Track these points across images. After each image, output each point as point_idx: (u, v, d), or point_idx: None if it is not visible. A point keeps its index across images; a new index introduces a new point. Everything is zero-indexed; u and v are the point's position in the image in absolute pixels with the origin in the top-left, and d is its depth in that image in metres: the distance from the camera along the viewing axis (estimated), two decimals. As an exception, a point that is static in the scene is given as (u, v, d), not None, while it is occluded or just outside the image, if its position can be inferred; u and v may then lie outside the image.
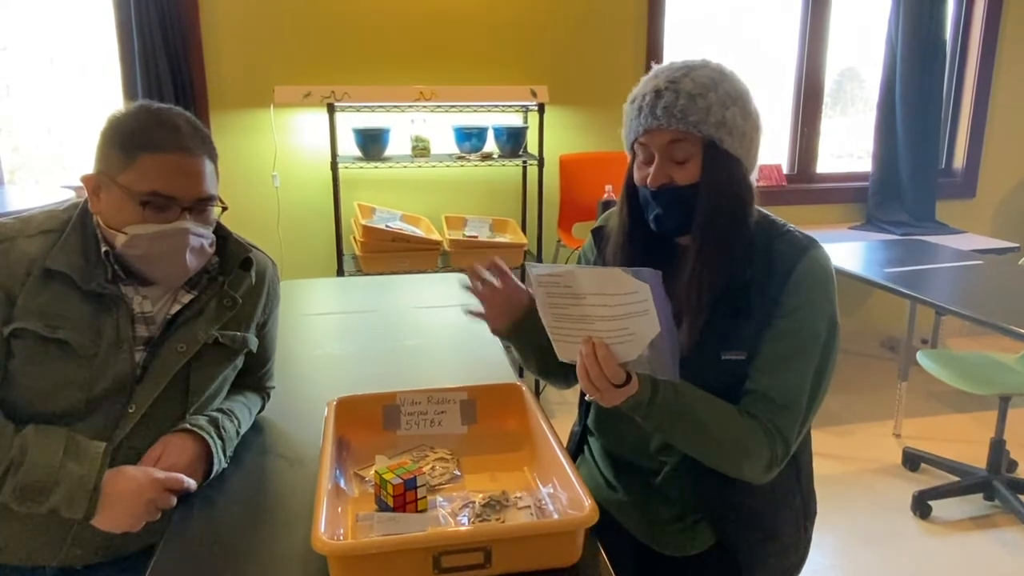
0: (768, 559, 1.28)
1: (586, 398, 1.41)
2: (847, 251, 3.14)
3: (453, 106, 3.31)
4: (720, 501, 1.25)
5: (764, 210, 1.26)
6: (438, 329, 1.97)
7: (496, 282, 1.31)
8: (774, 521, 1.27)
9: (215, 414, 1.30)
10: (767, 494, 1.25)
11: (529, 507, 1.12)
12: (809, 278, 1.17)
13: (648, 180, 1.18)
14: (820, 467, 1.41)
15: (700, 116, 1.13)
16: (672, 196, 1.17)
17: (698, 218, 1.17)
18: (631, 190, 1.26)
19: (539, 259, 3.41)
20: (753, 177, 1.22)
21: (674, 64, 1.19)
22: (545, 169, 3.30)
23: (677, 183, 1.17)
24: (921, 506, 2.61)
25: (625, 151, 1.26)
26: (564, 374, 1.40)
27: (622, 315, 1.02)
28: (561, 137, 3.56)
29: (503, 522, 1.08)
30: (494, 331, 1.36)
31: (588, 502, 1.00)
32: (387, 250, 3.12)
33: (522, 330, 1.32)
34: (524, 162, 3.41)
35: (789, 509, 1.29)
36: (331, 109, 3.05)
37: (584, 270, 1.04)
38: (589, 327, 1.05)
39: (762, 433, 1.14)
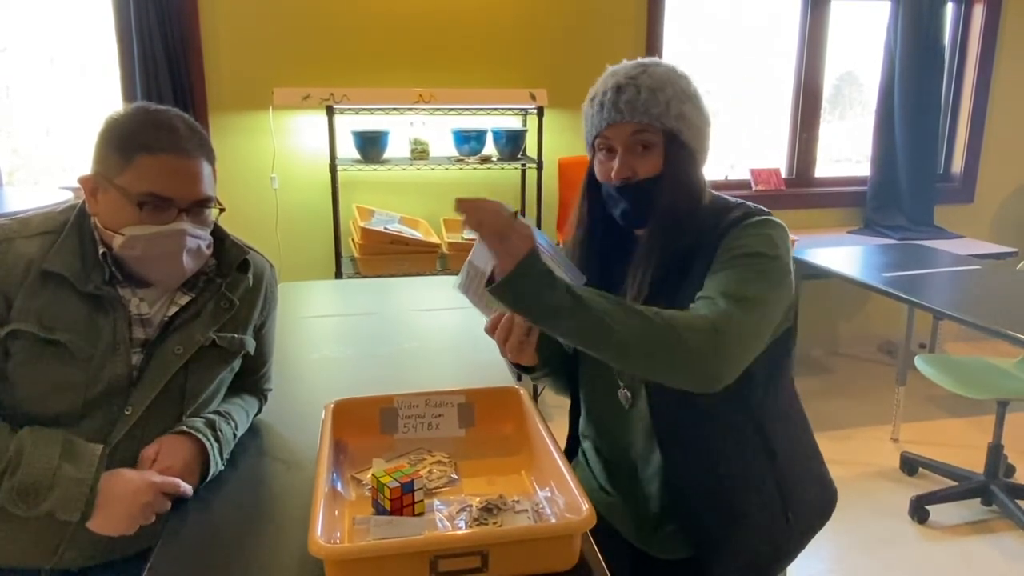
0: (737, 546, 1.25)
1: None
2: (845, 255, 3.15)
3: (452, 109, 3.31)
4: (691, 493, 1.24)
5: (717, 193, 1.29)
6: (436, 332, 1.97)
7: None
8: (741, 503, 1.25)
9: (212, 416, 1.29)
10: (735, 476, 1.24)
11: (526, 511, 1.12)
12: (749, 229, 1.19)
13: (612, 174, 1.21)
14: (818, 471, 1.40)
15: (661, 109, 1.19)
16: (636, 190, 1.21)
17: (657, 209, 1.20)
18: (591, 186, 1.30)
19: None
20: (704, 169, 1.27)
21: (627, 63, 1.25)
22: (544, 172, 3.30)
23: (640, 176, 1.21)
24: (919, 511, 2.61)
25: (586, 150, 1.31)
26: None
27: None
28: (560, 140, 3.57)
29: (500, 526, 1.08)
30: (525, 367, 1.35)
31: (586, 506, 0.99)
32: (386, 252, 3.12)
33: (543, 356, 1.32)
34: (523, 165, 3.41)
35: (758, 493, 1.26)
36: (330, 111, 3.05)
37: (474, 251, 1.20)
38: None
39: (699, 305, 1.12)
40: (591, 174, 1.30)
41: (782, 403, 1.32)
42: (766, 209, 1.24)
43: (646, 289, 1.21)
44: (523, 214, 3.86)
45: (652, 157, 1.21)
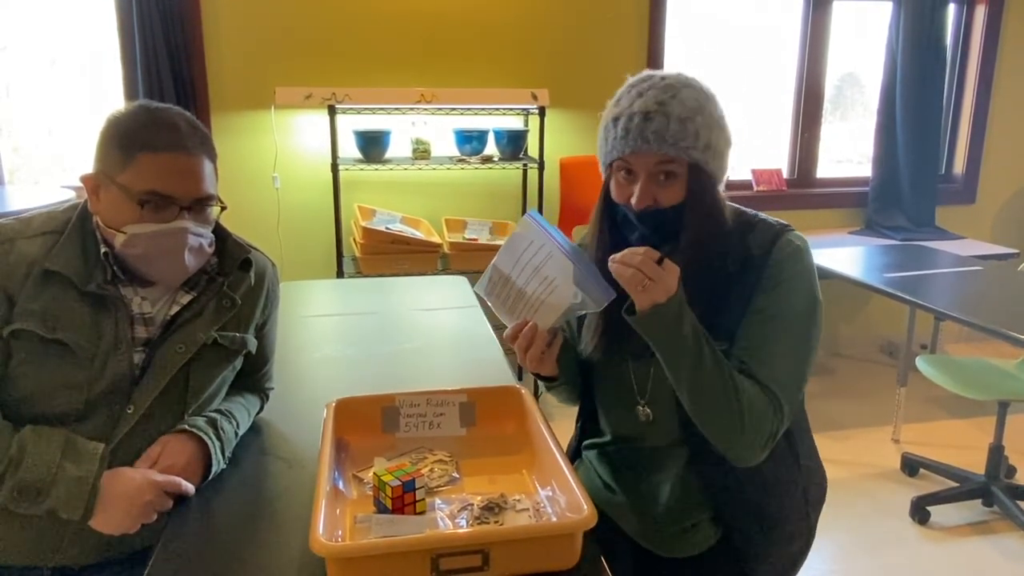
0: (771, 548, 1.28)
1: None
2: (847, 256, 3.15)
3: (454, 109, 3.31)
4: (724, 497, 1.25)
5: (733, 204, 1.27)
6: (437, 331, 1.97)
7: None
8: (778, 511, 1.27)
9: (214, 415, 1.29)
10: (769, 485, 1.25)
11: (528, 510, 1.12)
12: (784, 260, 1.20)
13: (633, 201, 1.18)
14: (819, 471, 1.41)
15: (690, 141, 1.15)
16: (657, 218, 1.19)
17: (685, 237, 1.18)
18: (608, 205, 1.25)
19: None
20: (722, 187, 1.25)
21: (654, 79, 1.18)
22: (545, 172, 3.30)
23: (661, 204, 1.18)
24: (920, 512, 2.61)
25: (600, 169, 1.26)
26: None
27: (536, 268, 1.19)
28: (561, 140, 3.57)
29: (501, 525, 1.08)
30: (544, 377, 1.33)
31: (587, 505, 0.99)
32: (387, 252, 3.12)
33: (561, 366, 1.31)
34: (524, 165, 3.41)
35: (791, 497, 1.29)
36: (332, 111, 3.05)
37: (498, 256, 1.23)
38: (524, 298, 1.20)
39: (763, 393, 1.16)
40: (607, 194, 1.25)
41: (802, 411, 1.34)
42: (787, 224, 1.24)
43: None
44: (524, 214, 3.84)
45: (675, 187, 1.17)
